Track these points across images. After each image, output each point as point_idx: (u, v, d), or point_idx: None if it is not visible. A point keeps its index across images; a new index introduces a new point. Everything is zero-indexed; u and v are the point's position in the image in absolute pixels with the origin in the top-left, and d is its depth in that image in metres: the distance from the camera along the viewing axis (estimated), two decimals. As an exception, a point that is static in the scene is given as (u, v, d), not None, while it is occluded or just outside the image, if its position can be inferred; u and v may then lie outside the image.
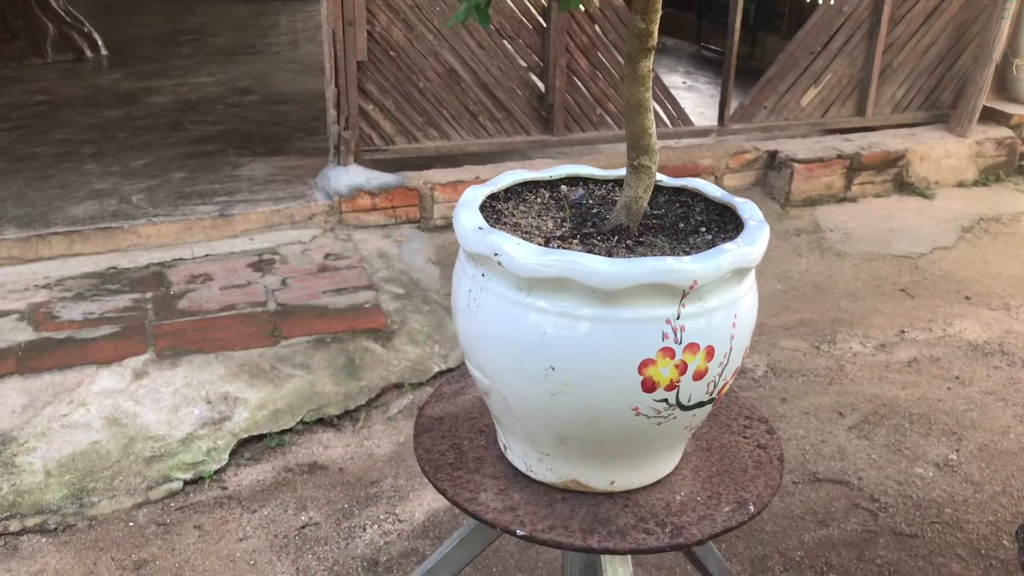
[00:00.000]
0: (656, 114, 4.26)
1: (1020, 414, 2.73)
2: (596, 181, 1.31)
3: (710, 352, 1.04)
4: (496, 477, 1.19)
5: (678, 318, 1.01)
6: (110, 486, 2.31)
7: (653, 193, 1.22)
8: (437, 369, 2.87)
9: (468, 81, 3.86)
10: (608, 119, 4.15)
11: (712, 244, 1.12)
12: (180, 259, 3.34)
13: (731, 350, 1.07)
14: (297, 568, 2.11)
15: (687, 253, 1.08)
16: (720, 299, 1.04)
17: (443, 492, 1.17)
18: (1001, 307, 3.40)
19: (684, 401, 1.06)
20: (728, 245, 1.03)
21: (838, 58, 4.44)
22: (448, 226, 3.85)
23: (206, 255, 3.37)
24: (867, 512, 2.31)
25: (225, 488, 2.37)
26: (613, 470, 1.14)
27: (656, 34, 1.01)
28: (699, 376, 1.05)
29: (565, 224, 1.17)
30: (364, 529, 2.24)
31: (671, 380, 1.03)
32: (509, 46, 3.90)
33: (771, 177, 4.32)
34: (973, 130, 4.59)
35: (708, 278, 1.00)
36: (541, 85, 4.01)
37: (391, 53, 3.70)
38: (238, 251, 3.42)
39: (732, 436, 1.30)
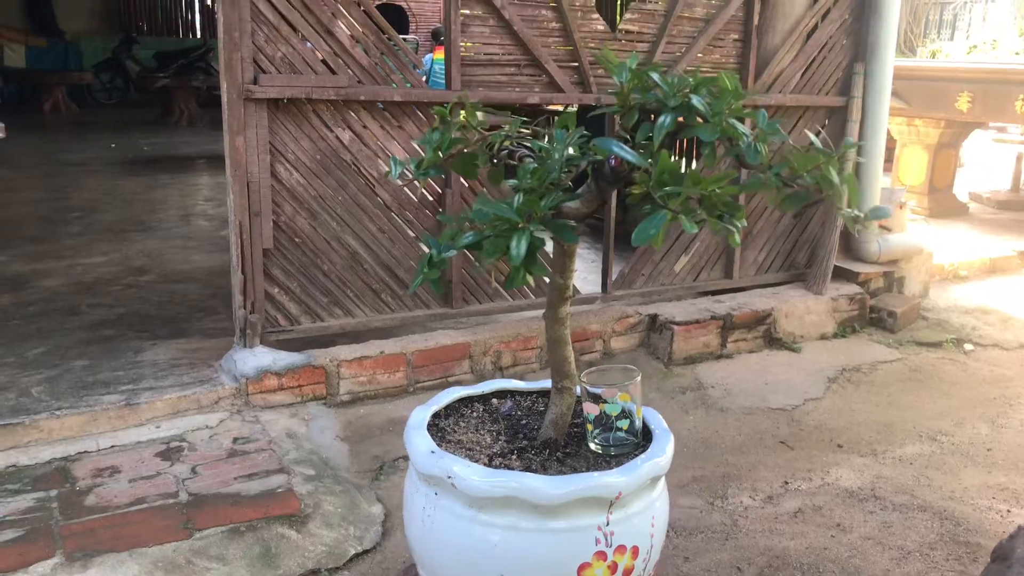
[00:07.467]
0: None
1: (896, 556, 2.98)
2: (521, 393, 1.50)
3: (635, 551, 1.21)
4: (449, 675, 1.30)
5: (608, 524, 1.18)
6: None
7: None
8: (353, 552, 2.91)
9: (370, 262, 4.07)
10: (501, 291, 4.42)
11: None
12: (85, 452, 3.31)
13: (652, 547, 1.25)
14: None
15: (608, 463, 1.27)
16: (640, 504, 1.22)
17: None
18: (869, 453, 3.73)
19: (616, 595, 1.21)
20: (643, 457, 1.23)
21: (705, 228, 4.89)
22: (354, 401, 3.95)
23: (112, 446, 3.36)
24: (773, 666, 2.47)
25: None
26: (555, 661, 1.27)
27: (572, 286, 1.23)
28: (628, 573, 1.21)
29: (501, 437, 1.34)
30: None
31: (605, 578, 1.19)
32: (408, 229, 4.15)
33: (654, 338, 4.65)
34: (828, 288, 5.10)
35: (631, 488, 1.19)
36: (438, 263, 4.26)
37: (296, 240, 3.89)
38: (145, 440, 3.41)
39: (654, 616, 1.46)
